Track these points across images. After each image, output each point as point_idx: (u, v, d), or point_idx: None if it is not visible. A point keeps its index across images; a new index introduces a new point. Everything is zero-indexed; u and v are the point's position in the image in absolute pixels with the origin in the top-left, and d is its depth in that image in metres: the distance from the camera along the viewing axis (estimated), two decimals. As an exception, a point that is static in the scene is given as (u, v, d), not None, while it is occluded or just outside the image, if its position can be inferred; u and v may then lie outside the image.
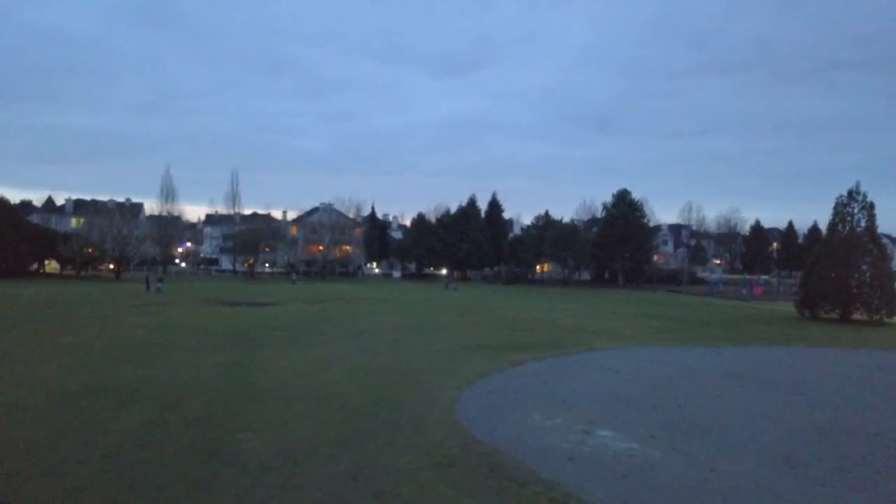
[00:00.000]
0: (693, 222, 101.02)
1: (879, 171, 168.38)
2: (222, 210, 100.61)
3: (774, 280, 73.14)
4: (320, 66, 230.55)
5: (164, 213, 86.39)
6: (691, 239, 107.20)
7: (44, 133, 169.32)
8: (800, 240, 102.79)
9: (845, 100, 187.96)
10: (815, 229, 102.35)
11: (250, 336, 26.99)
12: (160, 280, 53.92)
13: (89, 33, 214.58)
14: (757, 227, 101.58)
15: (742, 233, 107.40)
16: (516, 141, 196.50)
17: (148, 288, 51.88)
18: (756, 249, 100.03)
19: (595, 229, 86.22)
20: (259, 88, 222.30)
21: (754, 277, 70.49)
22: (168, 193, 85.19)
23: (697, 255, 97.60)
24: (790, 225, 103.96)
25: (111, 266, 75.99)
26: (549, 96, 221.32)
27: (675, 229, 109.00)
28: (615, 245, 76.59)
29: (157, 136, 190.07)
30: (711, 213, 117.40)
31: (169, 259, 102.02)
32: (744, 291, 64.86)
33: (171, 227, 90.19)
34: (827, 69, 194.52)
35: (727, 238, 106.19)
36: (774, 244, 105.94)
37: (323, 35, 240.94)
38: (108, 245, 68.82)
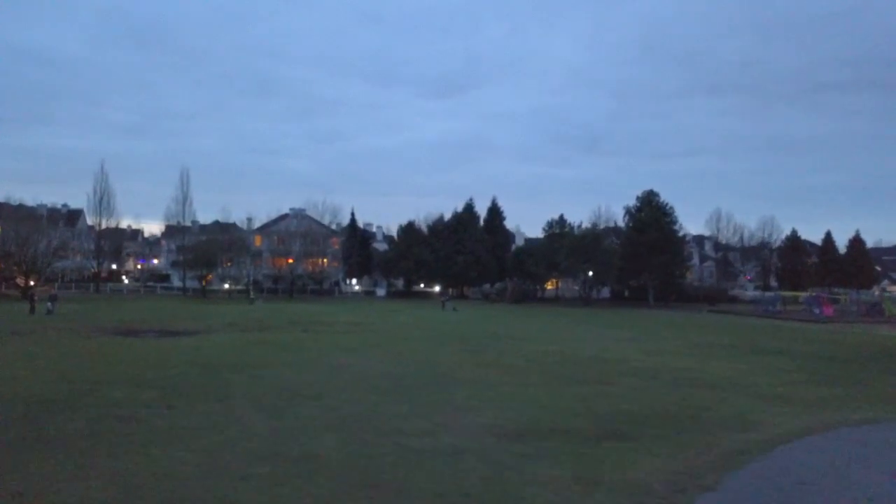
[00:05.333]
0: (722, 233, 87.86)
1: (865, 191, 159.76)
2: (185, 222, 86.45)
3: (846, 297, 60.36)
4: (309, 87, 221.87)
5: (100, 221, 71.62)
6: (717, 252, 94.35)
7: (33, 154, 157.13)
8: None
9: (831, 120, 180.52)
10: (857, 239, 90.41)
11: (71, 406, 13.30)
12: (52, 300, 39.74)
13: (77, 55, 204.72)
14: (794, 238, 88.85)
15: (769, 246, 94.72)
16: (506, 161, 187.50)
17: (32, 310, 37.82)
18: (793, 263, 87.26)
19: (612, 239, 72.83)
20: (247, 109, 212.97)
21: (823, 294, 57.74)
22: (102, 197, 70.59)
23: (727, 271, 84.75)
24: (828, 235, 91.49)
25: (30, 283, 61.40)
26: (539, 117, 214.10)
27: (697, 241, 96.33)
28: (645, 255, 63.18)
29: (145, 157, 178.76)
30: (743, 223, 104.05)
31: (114, 276, 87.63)
32: (816, 311, 51.78)
33: (110, 239, 75.89)
34: (812, 91, 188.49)
35: (756, 251, 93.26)
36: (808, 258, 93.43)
37: (312, 56, 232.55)
38: (13, 256, 54.45)
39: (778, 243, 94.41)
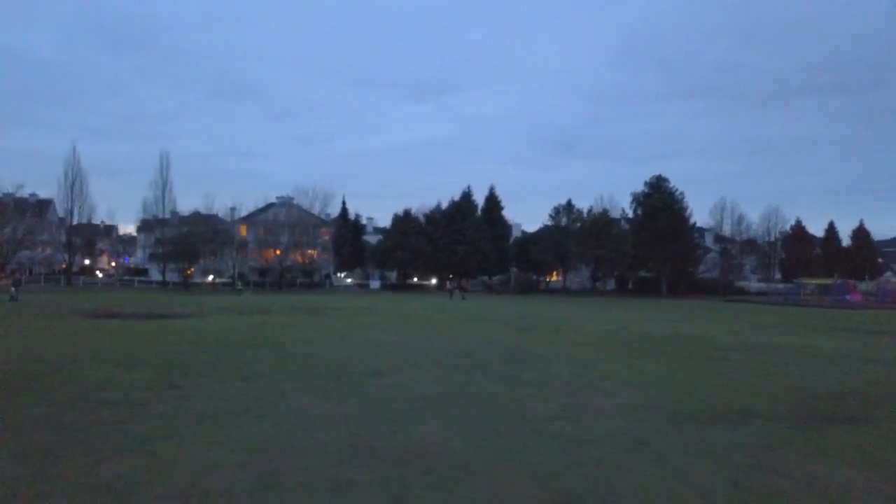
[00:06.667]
0: (729, 224, 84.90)
1: (843, 193, 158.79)
2: (164, 212, 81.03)
3: (873, 284, 57.79)
4: (286, 89, 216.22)
5: (72, 208, 66.28)
6: (717, 243, 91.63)
7: (4, 156, 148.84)
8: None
9: (807, 124, 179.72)
10: (861, 229, 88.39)
11: (38, 388, 9.29)
12: (15, 285, 35.16)
13: (50, 56, 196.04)
14: (799, 228, 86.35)
15: (771, 237, 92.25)
16: (485, 165, 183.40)
17: (-9, 297, 33.30)
18: (797, 254, 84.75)
19: (616, 230, 69.01)
20: (223, 111, 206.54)
21: (851, 282, 55.05)
22: (74, 181, 65.20)
23: (731, 263, 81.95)
24: (831, 226, 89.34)
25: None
26: (517, 121, 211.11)
27: (698, 231, 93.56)
28: (658, 243, 59.72)
29: (120, 160, 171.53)
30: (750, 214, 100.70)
31: (87, 271, 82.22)
32: (848, 298, 48.94)
33: (83, 233, 70.71)
34: (789, 94, 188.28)
35: (754, 244, 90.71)
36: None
37: (288, 58, 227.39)
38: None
39: (775, 235, 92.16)
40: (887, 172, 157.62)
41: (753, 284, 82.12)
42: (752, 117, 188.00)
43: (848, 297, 49.13)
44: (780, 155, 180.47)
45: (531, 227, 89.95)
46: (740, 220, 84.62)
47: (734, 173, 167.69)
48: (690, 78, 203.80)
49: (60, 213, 75.76)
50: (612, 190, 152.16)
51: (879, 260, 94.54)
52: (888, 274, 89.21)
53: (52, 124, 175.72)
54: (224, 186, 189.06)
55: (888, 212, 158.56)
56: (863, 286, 58.66)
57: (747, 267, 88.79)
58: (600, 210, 65.36)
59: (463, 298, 47.65)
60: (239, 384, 9.95)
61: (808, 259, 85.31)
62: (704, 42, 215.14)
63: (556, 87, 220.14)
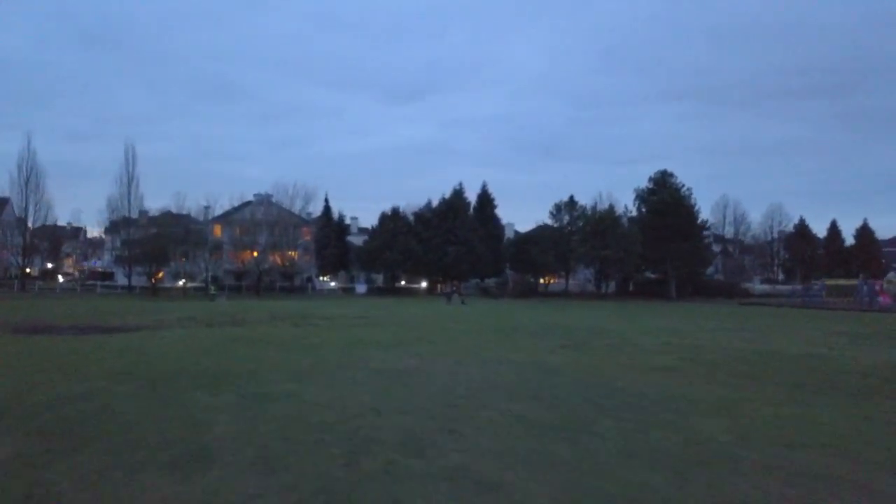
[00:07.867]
0: (731, 223, 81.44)
1: (827, 195, 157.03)
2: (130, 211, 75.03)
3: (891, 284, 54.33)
4: (268, 91, 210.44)
5: (27, 206, 60.48)
6: (718, 244, 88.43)
7: None
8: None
9: (786, 127, 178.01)
10: (865, 228, 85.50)
11: None
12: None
13: (24, 56, 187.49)
14: (802, 227, 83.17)
15: (773, 235, 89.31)
16: (468, 167, 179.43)
17: None
18: (800, 253, 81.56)
19: (621, 229, 64.67)
20: (204, 114, 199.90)
21: (877, 282, 51.48)
22: (30, 177, 59.44)
23: (737, 264, 78.46)
24: (833, 225, 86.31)
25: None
26: (500, 123, 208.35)
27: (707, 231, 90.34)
28: (667, 242, 55.59)
29: (95, 162, 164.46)
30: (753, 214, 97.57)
31: (49, 275, 76.25)
32: (879, 300, 45.24)
33: (46, 236, 64.89)
34: (765, 98, 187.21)
35: (755, 246, 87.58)
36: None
37: (270, 60, 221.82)
38: None
39: (776, 234, 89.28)
40: (864, 173, 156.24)
41: (758, 286, 78.73)
42: (735, 120, 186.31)
43: (879, 299, 45.43)
44: (763, 157, 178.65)
45: (519, 229, 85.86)
46: (742, 219, 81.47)
47: (720, 175, 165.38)
48: (673, 81, 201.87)
49: (18, 212, 69.76)
50: (599, 192, 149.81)
51: (882, 261, 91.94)
52: (891, 274, 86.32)
53: (27, 126, 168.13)
54: (204, 189, 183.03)
55: (874, 212, 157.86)
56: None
57: (752, 270, 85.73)
58: (605, 207, 61.03)
59: (463, 303, 43.02)
60: (166, 479, 5.20)
61: (811, 259, 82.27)
62: (687, 45, 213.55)
63: (538, 89, 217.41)
